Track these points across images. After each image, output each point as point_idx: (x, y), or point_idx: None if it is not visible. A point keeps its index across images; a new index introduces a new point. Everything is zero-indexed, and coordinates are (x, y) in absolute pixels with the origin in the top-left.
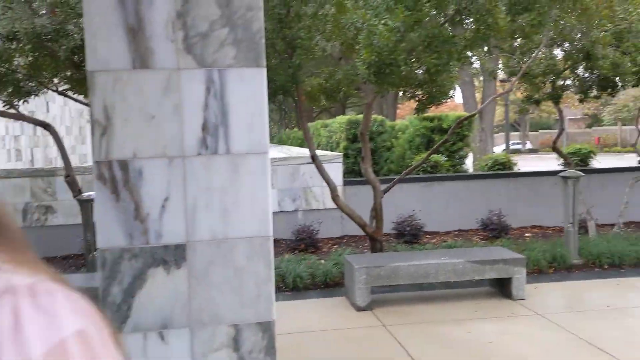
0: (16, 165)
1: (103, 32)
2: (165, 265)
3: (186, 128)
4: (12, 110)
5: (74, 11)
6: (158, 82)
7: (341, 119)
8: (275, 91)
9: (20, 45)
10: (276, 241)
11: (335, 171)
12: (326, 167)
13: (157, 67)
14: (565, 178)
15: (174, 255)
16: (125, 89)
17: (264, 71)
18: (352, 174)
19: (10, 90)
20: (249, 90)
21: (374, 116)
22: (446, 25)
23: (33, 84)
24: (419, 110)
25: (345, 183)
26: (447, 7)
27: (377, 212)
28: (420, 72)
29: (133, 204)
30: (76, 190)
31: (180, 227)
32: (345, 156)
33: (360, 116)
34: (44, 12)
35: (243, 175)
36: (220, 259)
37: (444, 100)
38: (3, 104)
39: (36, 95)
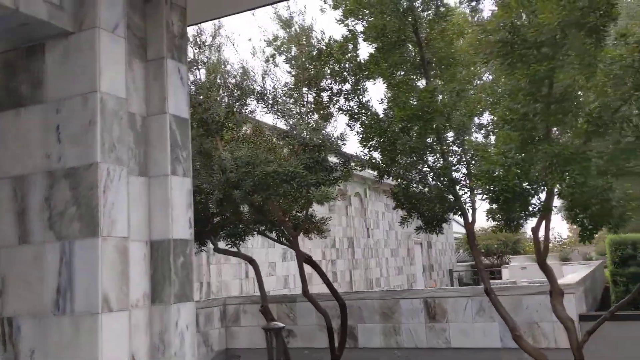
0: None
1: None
2: None
3: (45, 291)
4: (234, 249)
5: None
6: (31, 255)
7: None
8: None
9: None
10: None
11: (567, 303)
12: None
13: (32, 242)
14: None
15: None
16: (14, 260)
17: (99, 239)
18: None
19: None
20: (90, 257)
21: None
22: None
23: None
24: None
25: (591, 318)
26: None
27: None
28: None
29: (13, 354)
30: (268, 319)
31: None
32: (614, 283)
33: (632, 235)
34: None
35: (82, 334)
36: None
37: None
38: (226, 244)
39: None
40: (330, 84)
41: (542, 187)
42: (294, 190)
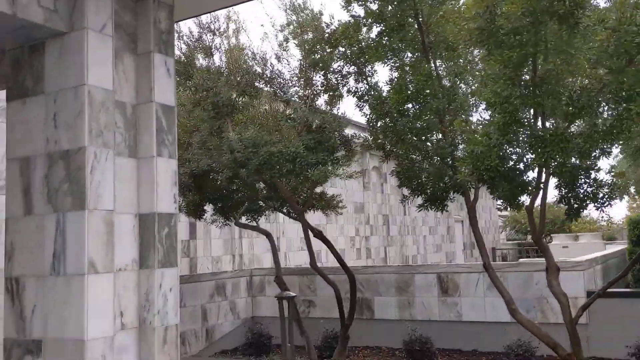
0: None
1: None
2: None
3: (44, 255)
4: (253, 223)
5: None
6: (34, 224)
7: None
8: None
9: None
10: (478, 354)
11: (575, 280)
12: (564, 275)
13: (35, 213)
14: None
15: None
16: (21, 228)
17: (86, 212)
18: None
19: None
20: (78, 227)
21: None
22: None
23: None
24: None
25: (605, 295)
26: None
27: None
28: None
29: (20, 308)
30: (282, 289)
31: (40, 326)
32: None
33: None
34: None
35: (73, 292)
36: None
37: None
38: (247, 219)
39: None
40: (340, 67)
41: (529, 167)
42: (296, 169)
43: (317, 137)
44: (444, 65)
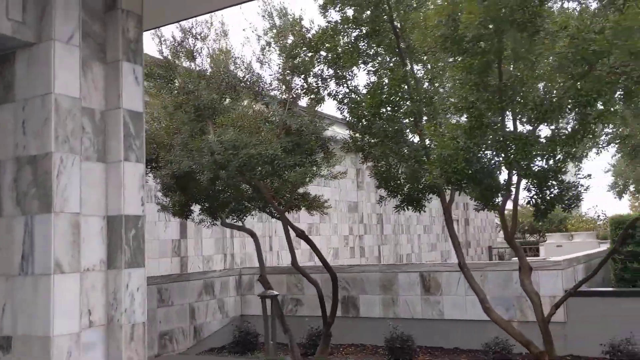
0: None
1: None
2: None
3: (14, 256)
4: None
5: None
6: (5, 226)
7: None
8: None
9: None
10: (459, 351)
11: (554, 280)
12: (542, 274)
13: (5, 215)
14: None
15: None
16: None
17: (52, 215)
18: (623, 282)
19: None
20: (45, 228)
21: None
22: None
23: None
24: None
25: (582, 294)
26: None
27: (545, 330)
28: None
29: None
30: (266, 288)
31: (10, 323)
32: (613, 260)
33: (633, 214)
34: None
35: (39, 291)
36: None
37: None
38: (232, 220)
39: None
40: (320, 70)
41: (496, 170)
42: (274, 171)
43: (296, 139)
44: (421, 70)
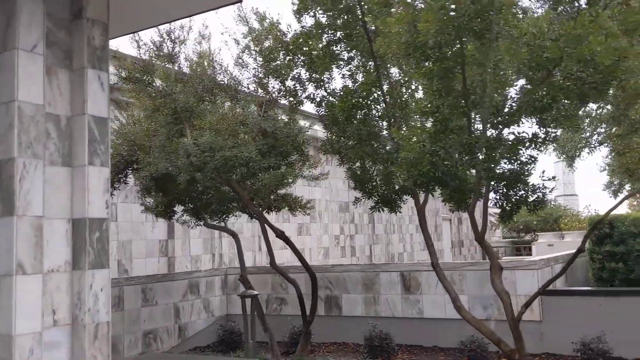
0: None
1: None
2: None
3: None
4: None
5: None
6: None
7: None
8: None
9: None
10: (438, 349)
11: (529, 279)
12: (519, 274)
13: None
14: None
15: None
16: None
17: (14, 218)
18: (601, 282)
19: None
20: (8, 231)
21: (628, 213)
22: None
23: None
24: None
25: (558, 293)
26: None
27: (515, 328)
28: None
29: None
30: (247, 287)
31: None
32: (591, 260)
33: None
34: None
35: (2, 292)
36: None
37: None
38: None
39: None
40: (298, 74)
41: (461, 173)
42: (250, 173)
43: (271, 142)
44: (397, 74)
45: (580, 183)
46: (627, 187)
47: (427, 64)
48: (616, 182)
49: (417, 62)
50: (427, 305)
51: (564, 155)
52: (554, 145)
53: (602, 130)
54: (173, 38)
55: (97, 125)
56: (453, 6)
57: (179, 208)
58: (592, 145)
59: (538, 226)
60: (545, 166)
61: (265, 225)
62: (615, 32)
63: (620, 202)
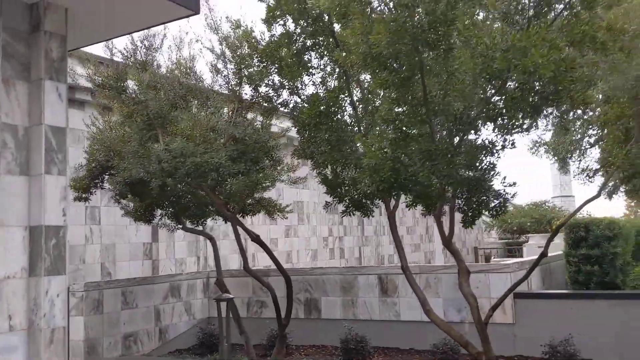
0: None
1: None
2: None
3: None
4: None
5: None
6: None
7: None
8: None
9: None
10: (414, 352)
11: (502, 282)
12: (493, 277)
13: None
14: None
15: None
16: None
17: None
18: (577, 285)
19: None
20: None
21: (603, 217)
22: None
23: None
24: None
25: (531, 296)
26: None
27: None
28: None
29: None
30: (222, 291)
31: None
32: (567, 263)
33: (586, 218)
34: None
35: None
36: None
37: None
38: (192, 224)
39: (207, 219)
40: (271, 80)
41: (423, 179)
42: (220, 179)
43: (241, 148)
44: (367, 81)
45: (578, 184)
46: (622, 188)
47: (384, 73)
48: (611, 183)
49: (373, 72)
50: (404, 308)
51: (556, 158)
52: (545, 147)
53: (593, 132)
54: (147, 45)
55: (54, 135)
56: (406, 18)
57: (158, 212)
58: (583, 148)
59: (532, 227)
60: (541, 168)
61: (239, 229)
62: (557, 44)
63: (581, 207)
